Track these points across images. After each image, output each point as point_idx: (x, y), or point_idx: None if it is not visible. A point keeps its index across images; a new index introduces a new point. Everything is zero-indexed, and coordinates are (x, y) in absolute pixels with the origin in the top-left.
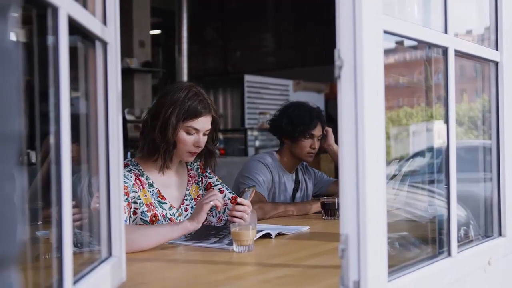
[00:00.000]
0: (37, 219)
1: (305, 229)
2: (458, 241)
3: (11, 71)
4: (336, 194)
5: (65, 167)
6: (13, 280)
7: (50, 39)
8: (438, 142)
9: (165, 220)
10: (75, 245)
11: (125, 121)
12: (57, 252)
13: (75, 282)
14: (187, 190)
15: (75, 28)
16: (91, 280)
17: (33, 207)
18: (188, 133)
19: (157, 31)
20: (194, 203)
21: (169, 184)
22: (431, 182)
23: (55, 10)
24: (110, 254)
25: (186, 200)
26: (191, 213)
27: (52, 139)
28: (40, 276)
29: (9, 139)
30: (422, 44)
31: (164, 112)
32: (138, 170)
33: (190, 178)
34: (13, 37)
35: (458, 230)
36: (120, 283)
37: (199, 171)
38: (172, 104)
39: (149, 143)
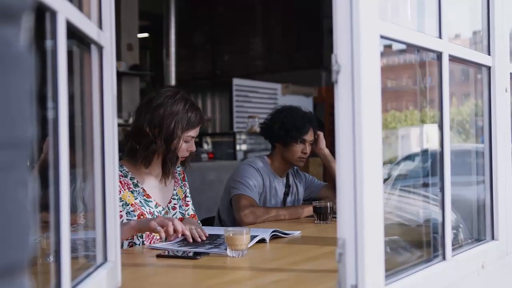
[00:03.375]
0: None
1: (298, 233)
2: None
3: (24, 76)
4: (327, 198)
5: (63, 171)
6: (26, 286)
7: (48, 43)
8: (428, 145)
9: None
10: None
11: None
12: (53, 257)
13: (72, 287)
14: (175, 190)
15: (71, 31)
16: (88, 286)
17: None
18: (186, 141)
19: (145, 34)
20: (181, 203)
21: (155, 184)
22: (422, 185)
23: (53, 14)
24: (105, 259)
25: (174, 199)
26: (179, 211)
27: (50, 143)
28: (37, 281)
29: (22, 145)
30: (411, 48)
31: (166, 124)
32: (121, 171)
33: (176, 180)
34: (25, 42)
35: None
36: None
37: (181, 176)
38: (174, 116)
39: (151, 153)
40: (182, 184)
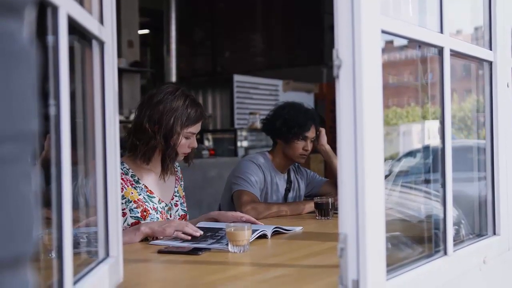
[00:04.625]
0: None
1: (299, 229)
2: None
3: (28, 69)
4: (328, 194)
5: (65, 168)
6: (30, 278)
7: (49, 38)
8: (430, 142)
9: (156, 213)
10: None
11: None
12: (55, 252)
13: (74, 282)
14: (176, 187)
15: (72, 27)
16: (90, 281)
17: None
18: (186, 138)
19: (146, 31)
20: (182, 200)
21: (157, 181)
22: (424, 182)
23: (55, 9)
24: (107, 254)
25: (176, 196)
26: (181, 209)
27: (52, 140)
28: (39, 277)
29: (26, 138)
30: (412, 44)
31: (166, 120)
32: (122, 169)
33: (177, 177)
34: (29, 35)
35: None
36: (118, 284)
37: (180, 176)
38: (173, 112)
39: (151, 149)
40: (181, 183)
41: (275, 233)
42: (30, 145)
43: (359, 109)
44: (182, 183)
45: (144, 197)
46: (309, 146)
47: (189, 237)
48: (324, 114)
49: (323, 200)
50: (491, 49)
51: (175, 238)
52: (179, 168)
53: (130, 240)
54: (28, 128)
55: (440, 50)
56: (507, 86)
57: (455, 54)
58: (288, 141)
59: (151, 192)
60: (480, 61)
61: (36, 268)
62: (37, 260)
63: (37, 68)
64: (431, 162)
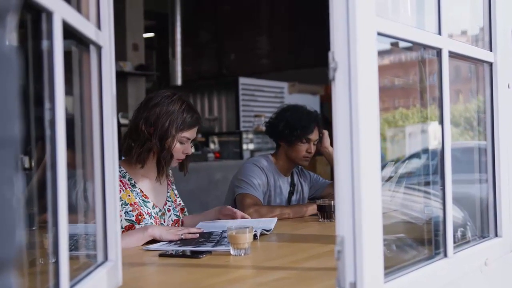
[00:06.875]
0: (33, 225)
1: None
2: (455, 243)
3: (10, 75)
4: (331, 196)
5: (60, 172)
6: (13, 283)
7: (44, 43)
8: (434, 143)
9: (150, 218)
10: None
11: (119, 125)
12: (53, 256)
13: (71, 286)
14: (168, 192)
15: (69, 32)
16: (87, 284)
17: (28, 213)
18: (181, 142)
19: (151, 34)
20: (174, 205)
21: (151, 186)
22: (427, 183)
23: (49, 14)
24: (106, 258)
25: (168, 201)
26: (173, 214)
27: (47, 144)
28: (36, 281)
29: (8, 143)
30: (416, 46)
31: (161, 122)
32: (120, 172)
33: (169, 183)
34: (11, 41)
35: (455, 231)
36: None
37: (172, 179)
38: (168, 116)
39: (146, 151)
40: (173, 187)
41: (263, 232)
42: (12, 150)
43: (354, 112)
44: (174, 186)
45: (139, 201)
46: (312, 149)
47: (197, 235)
48: (330, 116)
49: (325, 203)
50: (491, 50)
51: (170, 243)
52: (170, 171)
53: (136, 242)
54: (10, 133)
55: (439, 52)
56: (508, 87)
57: (454, 55)
58: (291, 143)
59: (146, 197)
60: (480, 62)
61: (33, 272)
62: (33, 265)
63: (20, 74)
64: (436, 163)
